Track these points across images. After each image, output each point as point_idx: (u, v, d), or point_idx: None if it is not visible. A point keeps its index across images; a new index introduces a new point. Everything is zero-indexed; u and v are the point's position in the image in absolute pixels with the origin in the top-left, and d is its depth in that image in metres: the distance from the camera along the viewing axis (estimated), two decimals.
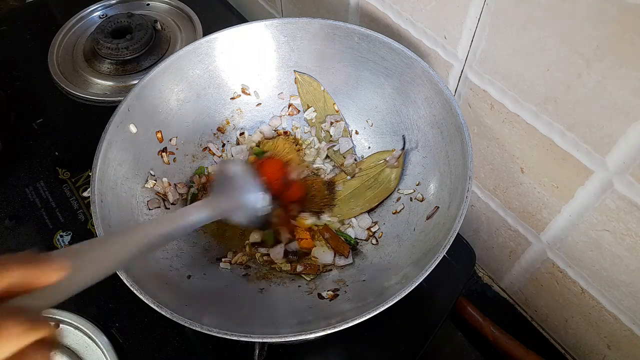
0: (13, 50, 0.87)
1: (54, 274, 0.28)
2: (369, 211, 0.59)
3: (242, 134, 0.66)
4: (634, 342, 0.51)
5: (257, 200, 0.50)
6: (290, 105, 0.66)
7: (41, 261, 0.28)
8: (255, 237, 0.58)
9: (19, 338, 0.24)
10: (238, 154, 0.64)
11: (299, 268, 0.55)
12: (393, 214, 0.58)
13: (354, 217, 0.59)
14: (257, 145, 0.65)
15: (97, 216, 0.46)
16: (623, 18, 0.35)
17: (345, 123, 0.64)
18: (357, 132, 0.64)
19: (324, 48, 0.61)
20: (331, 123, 0.64)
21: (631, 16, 0.34)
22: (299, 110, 0.66)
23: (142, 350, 0.55)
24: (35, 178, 0.70)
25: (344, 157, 0.63)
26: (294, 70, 0.64)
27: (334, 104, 0.64)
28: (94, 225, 0.46)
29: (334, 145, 0.64)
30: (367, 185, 0.60)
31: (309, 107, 0.65)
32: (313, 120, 0.65)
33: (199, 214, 0.44)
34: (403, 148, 0.58)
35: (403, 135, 0.58)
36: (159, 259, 0.51)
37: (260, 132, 0.66)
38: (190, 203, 0.60)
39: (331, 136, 0.65)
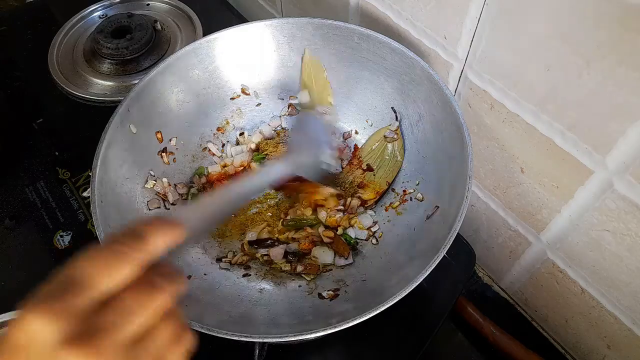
0: (13, 50, 0.87)
1: (182, 232, 0.30)
2: (376, 201, 0.60)
3: (241, 134, 0.66)
4: (634, 342, 0.51)
5: (329, 155, 0.53)
6: (290, 105, 0.66)
7: (171, 223, 0.30)
8: (250, 236, 0.58)
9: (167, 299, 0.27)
10: (237, 155, 0.64)
11: (299, 268, 0.55)
12: (393, 213, 0.58)
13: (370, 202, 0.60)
14: (257, 150, 0.65)
15: (97, 216, 0.46)
16: (623, 18, 0.35)
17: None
18: (357, 132, 0.64)
19: (323, 48, 0.61)
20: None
21: (631, 16, 0.34)
22: (298, 111, 0.66)
23: None
24: (35, 178, 0.70)
25: None
26: (305, 49, 0.63)
27: (329, 95, 0.64)
28: (94, 226, 0.46)
29: None
30: (375, 166, 0.61)
31: (304, 88, 0.64)
32: (304, 104, 0.64)
33: (278, 169, 0.48)
34: (396, 118, 0.59)
35: (392, 107, 0.59)
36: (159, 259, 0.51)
37: (260, 133, 0.66)
38: (190, 204, 0.60)
39: None
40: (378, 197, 0.59)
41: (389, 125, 0.60)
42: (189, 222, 0.33)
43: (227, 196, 0.41)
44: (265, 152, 0.64)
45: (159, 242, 0.28)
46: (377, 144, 0.62)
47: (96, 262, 0.26)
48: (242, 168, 0.63)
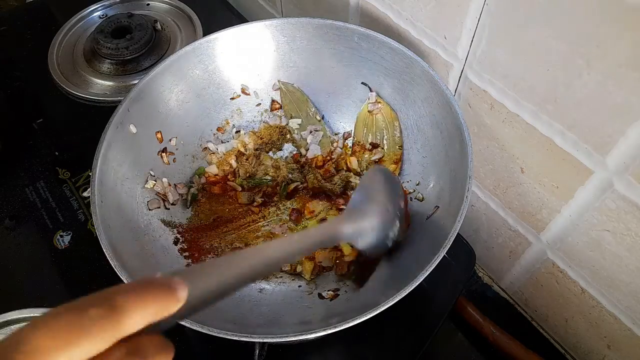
0: (13, 50, 0.87)
1: (178, 302, 0.26)
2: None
3: (237, 132, 0.66)
4: (634, 342, 0.51)
5: (392, 229, 0.45)
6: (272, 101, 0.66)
7: (168, 289, 0.26)
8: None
9: None
10: (221, 152, 0.64)
11: (299, 268, 0.55)
12: None
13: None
14: (258, 149, 0.65)
15: (97, 216, 0.46)
16: (623, 18, 0.35)
17: (330, 130, 0.65)
18: None
19: (323, 48, 0.61)
20: (310, 132, 0.64)
21: (631, 16, 0.34)
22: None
23: None
24: (35, 178, 0.70)
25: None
26: (278, 80, 0.64)
27: (316, 113, 0.65)
28: (94, 226, 0.46)
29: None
30: (378, 139, 0.61)
31: (292, 117, 0.65)
32: (296, 129, 0.66)
33: (334, 235, 0.40)
34: (370, 89, 0.60)
35: (362, 82, 0.61)
36: (160, 259, 0.51)
37: (253, 133, 0.66)
38: (190, 203, 0.60)
39: (307, 143, 0.64)
40: (400, 163, 0.59)
41: (368, 99, 0.61)
42: (197, 285, 0.27)
43: (255, 259, 0.32)
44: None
45: (138, 319, 0.23)
46: (366, 121, 0.62)
47: (51, 333, 0.21)
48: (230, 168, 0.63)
